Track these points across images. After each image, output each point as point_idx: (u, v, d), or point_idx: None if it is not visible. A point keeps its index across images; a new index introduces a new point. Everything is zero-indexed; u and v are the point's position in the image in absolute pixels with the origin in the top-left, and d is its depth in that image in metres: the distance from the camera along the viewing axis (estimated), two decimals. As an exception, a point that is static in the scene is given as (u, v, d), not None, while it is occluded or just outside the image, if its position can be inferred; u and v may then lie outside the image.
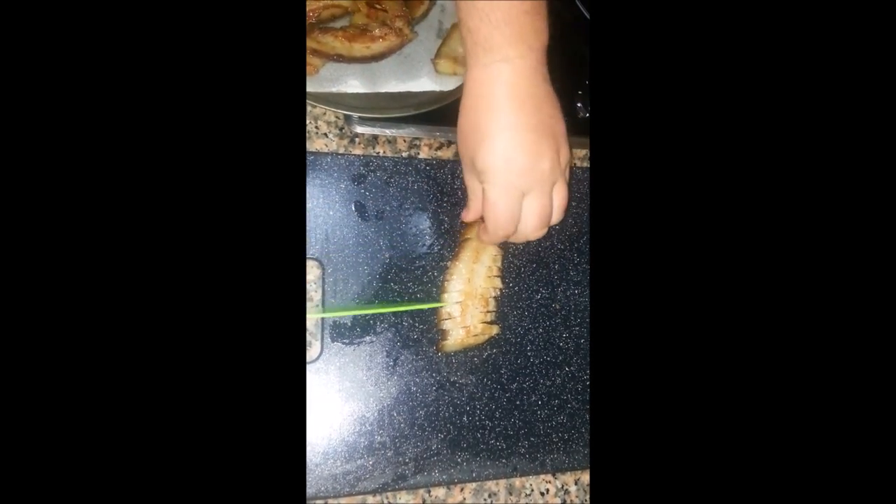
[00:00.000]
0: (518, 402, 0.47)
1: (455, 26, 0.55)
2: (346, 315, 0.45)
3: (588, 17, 0.64)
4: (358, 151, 0.51)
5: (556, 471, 0.47)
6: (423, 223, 0.49)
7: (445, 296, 0.47)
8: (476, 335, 0.46)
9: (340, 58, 0.50)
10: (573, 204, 0.54)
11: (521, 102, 0.40)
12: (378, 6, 0.51)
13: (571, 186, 0.54)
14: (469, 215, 0.44)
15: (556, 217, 0.44)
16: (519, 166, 0.40)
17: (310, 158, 0.48)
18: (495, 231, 0.42)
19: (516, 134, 0.40)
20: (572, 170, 0.56)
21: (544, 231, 0.43)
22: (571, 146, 0.58)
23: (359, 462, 0.43)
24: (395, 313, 0.46)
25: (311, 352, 0.45)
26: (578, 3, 0.65)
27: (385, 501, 0.44)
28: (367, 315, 0.46)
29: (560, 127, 0.42)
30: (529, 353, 0.49)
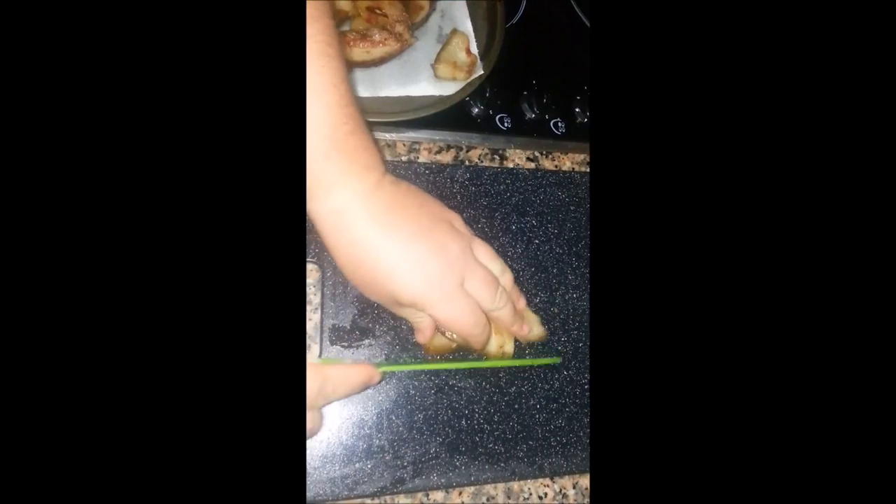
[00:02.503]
0: (516, 406, 0.47)
1: (455, 32, 0.56)
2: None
3: (587, 22, 0.65)
4: (357, 155, 0.51)
5: (554, 475, 0.47)
6: (423, 227, 0.49)
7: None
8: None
9: (340, 62, 0.50)
10: (572, 209, 0.54)
11: (388, 218, 0.36)
12: (378, 11, 0.52)
13: (570, 191, 0.55)
14: (423, 336, 0.43)
15: (499, 267, 0.42)
16: (438, 272, 0.38)
17: (309, 162, 0.48)
18: (475, 334, 0.41)
19: (411, 248, 0.37)
20: (571, 174, 0.56)
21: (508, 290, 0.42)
22: (569, 151, 0.59)
23: (357, 465, 0.43)
24: (393, 316, 0.46)
25: (310, 354, 0.45)
26: (576, 9, 0.66)
27: (383, 505, 0.44)
28: (366, 319, 0.46)
29: (432, 204, 0.40)
30: (528, 357, 0.49)
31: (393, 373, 0.45)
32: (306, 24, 0.33)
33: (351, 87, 0.36)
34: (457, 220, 0.42)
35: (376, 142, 0.38)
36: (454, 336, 0.44)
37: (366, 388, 0.41)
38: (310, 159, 0.34)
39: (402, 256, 0.37)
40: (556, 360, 0.49)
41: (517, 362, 0.48)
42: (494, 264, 0.42)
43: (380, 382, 0.43)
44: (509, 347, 0.47)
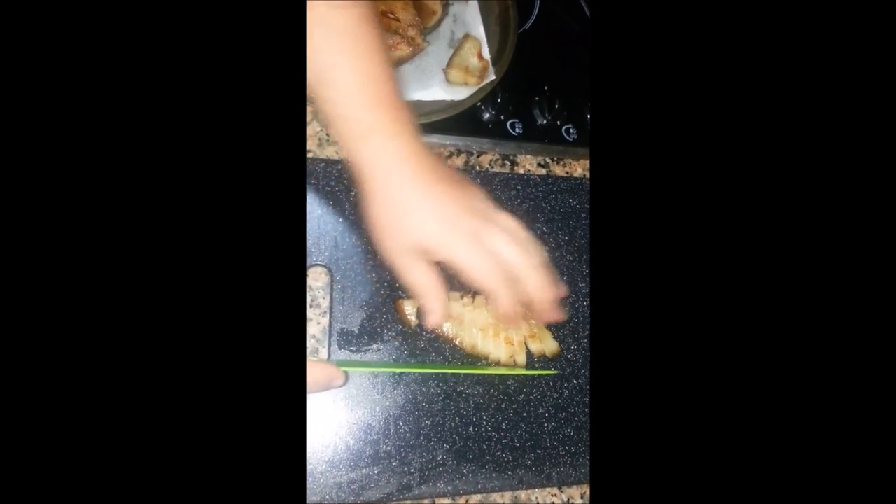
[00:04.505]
0: (525, 414, 0.47)
1: (467, 36, 0.56)
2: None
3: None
4: (368, 159, 0.51)
5: (561, 484, 0.47)
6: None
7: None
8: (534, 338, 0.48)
9: (353, 66, 0.50)
10: (583, 215, 0.54)
11: (419, 166, 0.39)
12: (391, 16, 0.52)
13: (581, 197, 0.55)
14: (435, 316, 0.41)
15: (520, 244, 0.41)
16: (458, 215, 0.39)
17: (320, 165, 0.48)
18: (492, 283, 0.40)
19: (435, 191, 0.39)
20: (582, 180, 0.56)
21: (536, 266, 0.41)
22: (580, 157, 0.58)
23: (364, 471, 0.43)
24: (401, 320, 0.46)
25: (319, 358, 0.44)
26: (589, 14, 0.65)
27: (389, 511, 0.43)
28: (374, 323, 0.46)
29: (456, 173, 0.43)
30: (537, 365, 0.48)
31: (401, 378, 0.45)
32: None
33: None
34: (475, 193, 0.42)
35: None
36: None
37: (327, 388, 0.40)
38: (355, 106, 0.37)
39: (426, 198, 0.39)
40: (553, 371, 0.48)
41: (513, 371, 0.47)
42: (522, 236, 0.42)
43: (343, 385, 0.41)
44: (521, 359, 0.47)
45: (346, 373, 0.41)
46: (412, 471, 0.43)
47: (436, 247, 0.39)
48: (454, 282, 0.48)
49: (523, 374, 0.47)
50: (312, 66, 0.36)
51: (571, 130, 0.57)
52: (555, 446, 0.47)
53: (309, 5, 0.35)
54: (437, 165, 0.41)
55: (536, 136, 0.56)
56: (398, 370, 0.45)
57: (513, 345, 0.46)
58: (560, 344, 0.49)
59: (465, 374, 0.46)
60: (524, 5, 0.62)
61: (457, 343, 0.46)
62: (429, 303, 0.41)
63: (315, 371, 0.38)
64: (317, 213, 0.47)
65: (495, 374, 0.47)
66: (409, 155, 0.39)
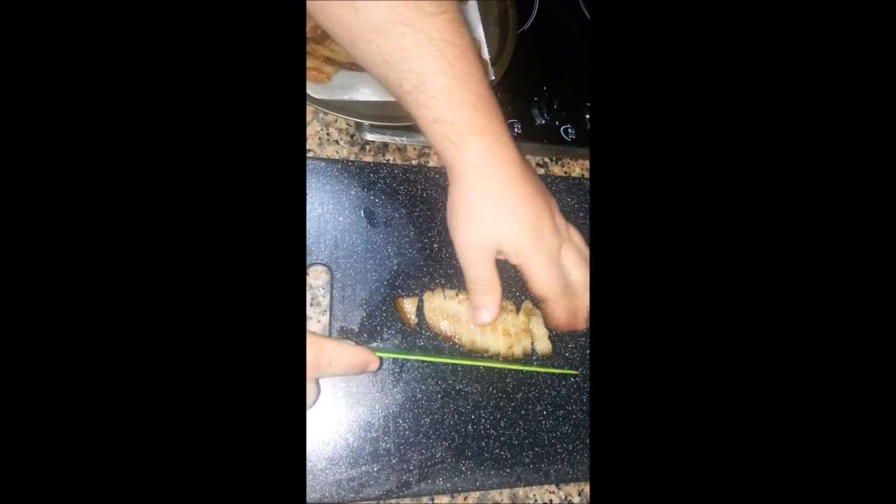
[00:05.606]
0: (523, 412, 0.47)
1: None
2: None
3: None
4: (368, 159, 0.51)
5: (559, 481, 0.47)
6: (432, 230, 0.49)
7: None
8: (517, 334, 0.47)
9: (353, 66, 0.50)
10: (581, 215, 0.54)
11: (522, 170, 0.40)
12: (391, 16, 0.52)
13: (579, 197, 0.55)
14: (490, 314, 0.43)
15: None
16: (549, 232, 0.41)
17: (320, 165, 0.48)
18: (560, 298, 0.42)
19: (527, 205, 0.40)
20: (580, 180, 0.56)
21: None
22: (579, 157, 0.59)
23: (363, 468, 0.43)
24: (401, 319, 0.47)
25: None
26: (588, 15, 0.66)
27: (388, 508, 0.44)
28: (374, 321, 0.46)
29: (541, 181, 0.44)
30: (535, 363, 0.49)
31: (401, 376, 0.45)
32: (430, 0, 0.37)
33: None
34: (556, 206, 0.45)
35: None
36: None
37: (362, 372, 0.40)
38: (452, 109, 0.38)
39: (516, 201, 0.40)
40: (573, 372, 0.49)
41: (534, 368, 0.47)
42: (585, 252, 0.45)
43: (378, 370, 0.41)
44: (518, 350, 0.47)
45: (380, 358, 0.42)
46: (411, 468, 0.44)
47: (514, 252, 0.40)
48: (452, 281, 0.48)
49: (547, 372, 0.48)
50: (407, 74, 0.37)
51: (570, 130, 0.57)
52: (552, 444, 0.47)
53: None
54: (527, 169, 0.41)
55: (535, 137, 0.56)
56: (428, 359, 0.46)
57: (511, 336, 0.46)
58: (559, 342, 0.49)
59: (464, 372, 0.47)
60: (523, 6, 0.62)
61: (455, 340, 0.46)
62: (487, 300, 0.42)
63: (352, 354, 0.38)
64: (317, 212, 0.47)
65: (519, 371, 0.47)
66: (504, 156, 0.40)
